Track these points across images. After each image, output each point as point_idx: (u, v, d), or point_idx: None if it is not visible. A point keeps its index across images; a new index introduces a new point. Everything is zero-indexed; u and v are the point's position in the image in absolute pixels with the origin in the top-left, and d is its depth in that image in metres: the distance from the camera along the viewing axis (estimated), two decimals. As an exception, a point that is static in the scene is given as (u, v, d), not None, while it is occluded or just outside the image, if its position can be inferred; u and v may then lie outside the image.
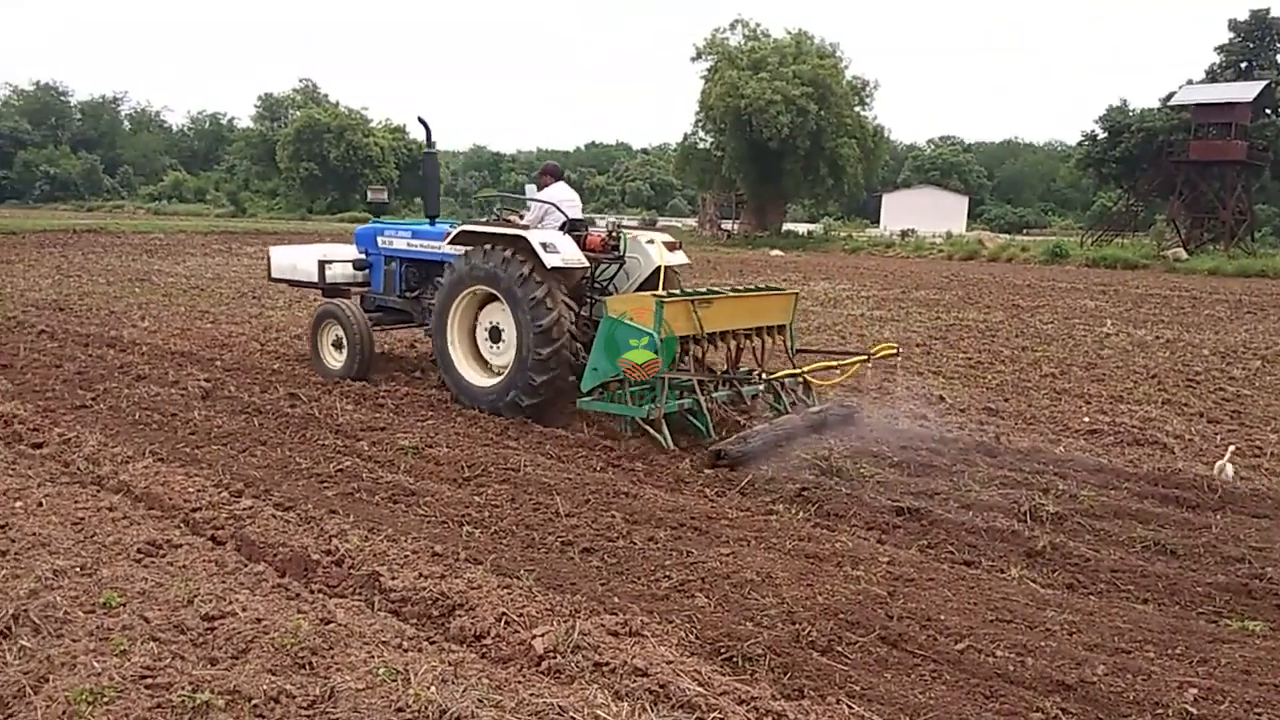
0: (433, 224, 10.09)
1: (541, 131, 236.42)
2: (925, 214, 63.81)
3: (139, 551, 4.95)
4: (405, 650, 3.98)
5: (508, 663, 3.98)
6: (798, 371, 8.50)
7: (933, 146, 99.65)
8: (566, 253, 8.05)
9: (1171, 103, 48.96)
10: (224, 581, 4.64)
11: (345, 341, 9.74)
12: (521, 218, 9.25)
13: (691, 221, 64.31)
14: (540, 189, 9.31)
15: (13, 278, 19.31)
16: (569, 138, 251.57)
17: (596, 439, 7.58)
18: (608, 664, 3.85)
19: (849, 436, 7.90)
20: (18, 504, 5.62)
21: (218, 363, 10.53)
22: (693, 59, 52.41)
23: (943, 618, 4.54)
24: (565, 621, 4.20)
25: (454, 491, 6.30)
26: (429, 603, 4.49)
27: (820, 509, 6.17)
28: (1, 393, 8.56)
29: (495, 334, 8.57)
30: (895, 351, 9.17)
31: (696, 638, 4.25)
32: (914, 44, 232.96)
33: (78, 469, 6.48)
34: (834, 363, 9.16)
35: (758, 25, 52.01)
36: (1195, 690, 3.91)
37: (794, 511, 6.10)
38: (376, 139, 72.16)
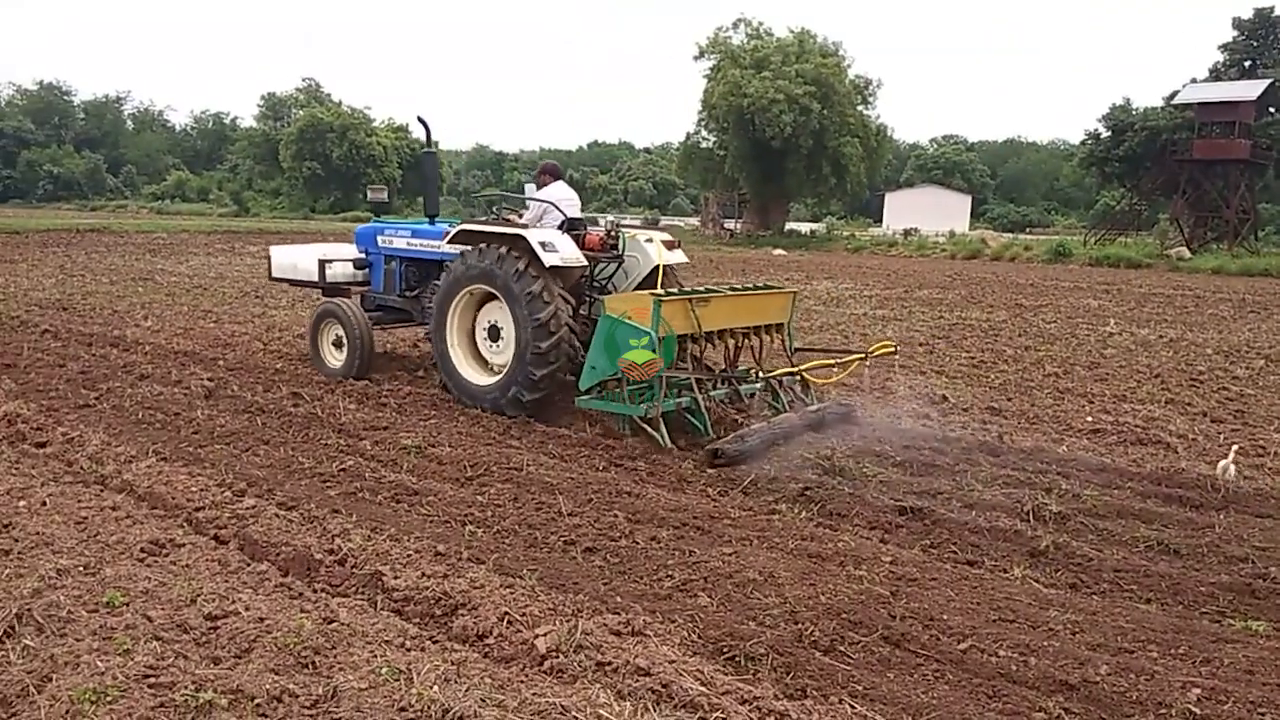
0: (432, 223, 10.11)
1: (544, 131, 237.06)
2: (928, 213, 63.78)
3: (142, 551, 4.96)
4: (408, 649, 3.98)
5: (510, 662, 3.98)
6: (794, 370, 8.51)
7: (936, 145, 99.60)
8: (565, 252, 8.06)
9: (1175, 101, 48.90)
10: (227, 581, 4.64)
11: (345, 341, 9.76)
12: (520, 217, 9.27)
13: (694, 221, 64.30)
14: (539, 188, 9.33)
15: (16, 277, 19.34)
16: (571, 137, 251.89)
17: (599, 438, 7.58)
18: (610, 663, 3.85)
19: (847, 435, 7.92)
20: (21, 503, 5.63)
21: (221, 362, 10.54)
22: (695, 58, 52.51)
23: (945, 617, 4.53)
24: (568, 621, 4.20)
25: (457, 491, 6.30)
26: (432, 602, 4.49)
27: (823, 508, 6.17)
28: (5, 392, 8.58)
29: (494, 333, 8.58)
30: (893, 350, 9.19)
31: (699, 637, 4.25)
32: (917, 43, 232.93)
33: (81, 468, 6.49)
34: (831, 361, 9.18)
35: (760, 24, 52.08)
36: (1199, 690, 3.91)
37: (796, 511, 6.10)
38: (379, 138, 72.22)
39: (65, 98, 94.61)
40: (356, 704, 3.48)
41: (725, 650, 4.15)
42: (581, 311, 8.65)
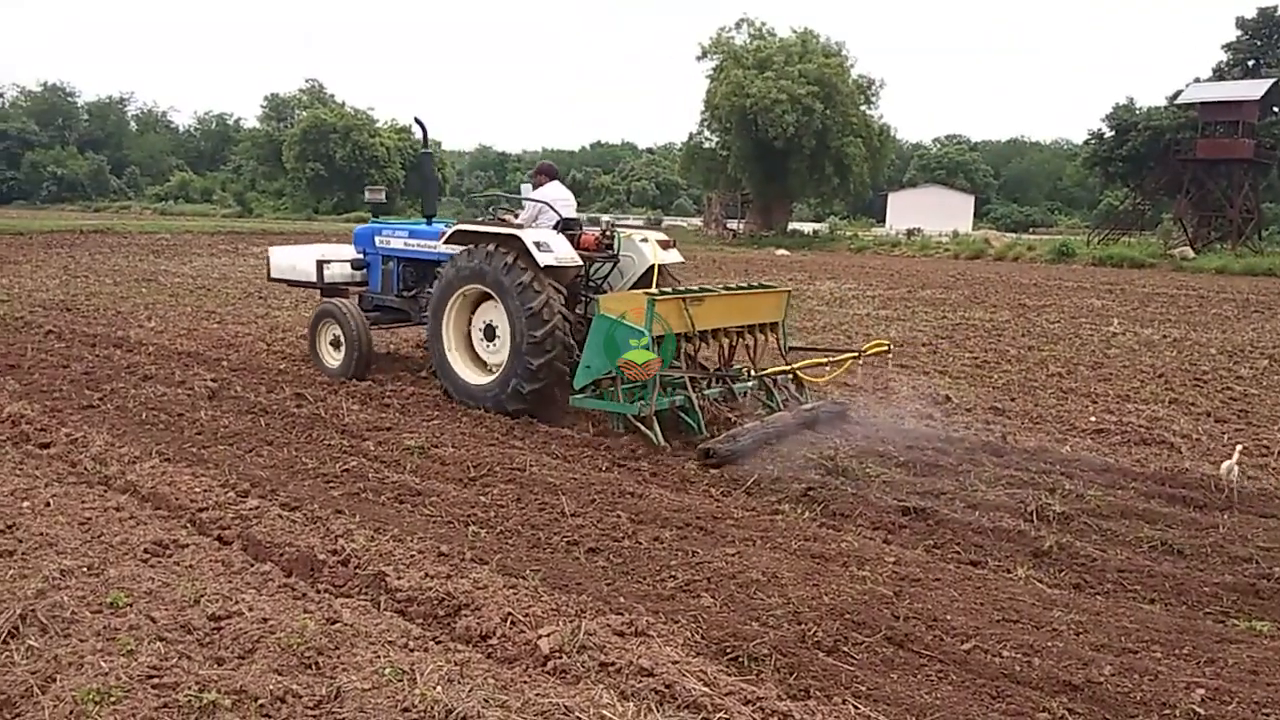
0: (429, 223, 10.15)
1: (547, 131, 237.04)
2: (931, 213, 63.71)
3: (146, 551, 4.96)
4: (411, 650, 3.98)
5: (513, 663, 3.98)
6: (787, 368, 8.53)
7: (939, 145, 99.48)
8: (560, 251, 8.12)
9: (1178, 101, 48.83)
10: (230, 581, 4.65)
11: (343, 340, 9.80)
12: (516, 217, 9.30)
13: (697, 221, 64.32)
14: (535, 188, 9.38)
15: (20, 278, 19.38)
16: (574, 137, 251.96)
17: (602, 439, 7.58)
18: (613, 664, 3.85)
19: (841, 434, 7.94)
20: (25, 504, 5.64)
21: (224, 363, 10.56)
22: (698, 58, 52.49)
23: (949, 618, 4.53)
24: (571, 621, 4.20)
25: (460, 491, 6.31)
26: (435, 603, 4.50)
27: (826, 509, 6.16)
28: (9, 393, 8.59)
29: (490, 332, 8.62)
30: (887, 349, 9.22)
31: (702, 638, 4.25)
32: (920, 43, 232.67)
33: (85, 469, 6.50)
34: (824, 359, 9.21)
35: (763, 24, 52.05)
36: (1203, 690, 3.90)
37: (800, 511, 6.10)
38: (382, 139, 72.20)
39: (69, 99, 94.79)
40: (360, 704, 3.49)
41: (728, 651, 4.15)
42: (578, 311, 8.68)
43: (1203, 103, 45.48)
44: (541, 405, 8.27)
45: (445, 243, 9.04)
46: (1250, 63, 52.28)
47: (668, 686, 3.67)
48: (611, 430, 7.78)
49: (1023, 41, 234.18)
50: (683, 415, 7.77)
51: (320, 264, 10.52)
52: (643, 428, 7.53)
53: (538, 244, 8.01)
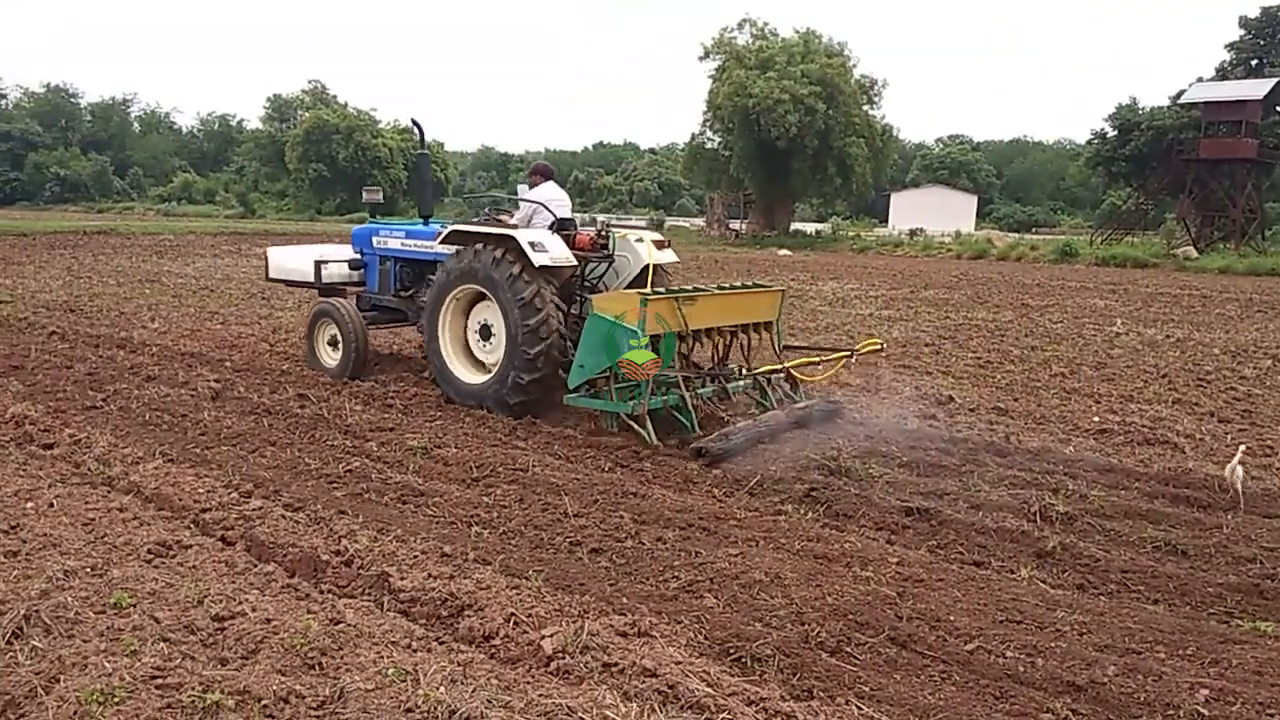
0: (426, 224, 10.20)
1: (549, 132, 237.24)
2: (934, 213, 63.64)
3: (149, 552, 4.97)
4: (414, 651, 3.99)
5: (517, 663, 3.98)
6: (779, 367, 8.56)
7: (941, 145, 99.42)
8: (555, 252, 8.15)
9: (1181, 101, 48.77)
10: (234, 582, 4.65)
11: (341, 340, 9.84)
12: (511, 217, 9.34)
13: (699, 221, 64.26)
14: (531, 189, 9.44)
15: (24, 279, 19.41)
16: (576, 138, 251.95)
17: (604, 439, 7.58)
18: (616, 664, 3.85)
19: (837, 433, 7.97)
20: (29, 505, 5.65)
21: (227, 364, 10.57)
22: (700, 58, 52.45)
23: (952, 618, 4.53)
24: (574, 622, 4.20)
25: (463, 492, 6.31)
26: (438, 603, 4.50)
27: (829, 509, 6.16)
28: (13, 394, 8.61)
29: (485, 332, 8.66)
30: (880, 348, 9.26)
31: (705, 638, 4.25)
32: (922, 43, 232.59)
33: (88, 470, 6.50)
34: (817, 358, 9.24)
35: (765, 24, 52.00)
36: (1207, 691, 3.89)
37: (803, 512, 6.09)
38: (385, 140, 72.26)
39: (72, 100, 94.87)
40: (363, 705, 3.49)
41: (731, 651, 4.15)
42: (573, 311, 8.71)
43: (1206, 102, 45.43)
44: (540, 398, 8.28)
45: (441, 243, 9.09)
46: (1253, 62, 52.21)
47: (671, 687, 3.67)
48: (605, 429, 7.81)
49: (1025, 41, 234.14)
50: (676, 414, 7.80)
51: (318, 264, 10.57)
52: (635, 426, 7.57)
53: (532, 244, 8.05)
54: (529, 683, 3.74)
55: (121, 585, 4.44)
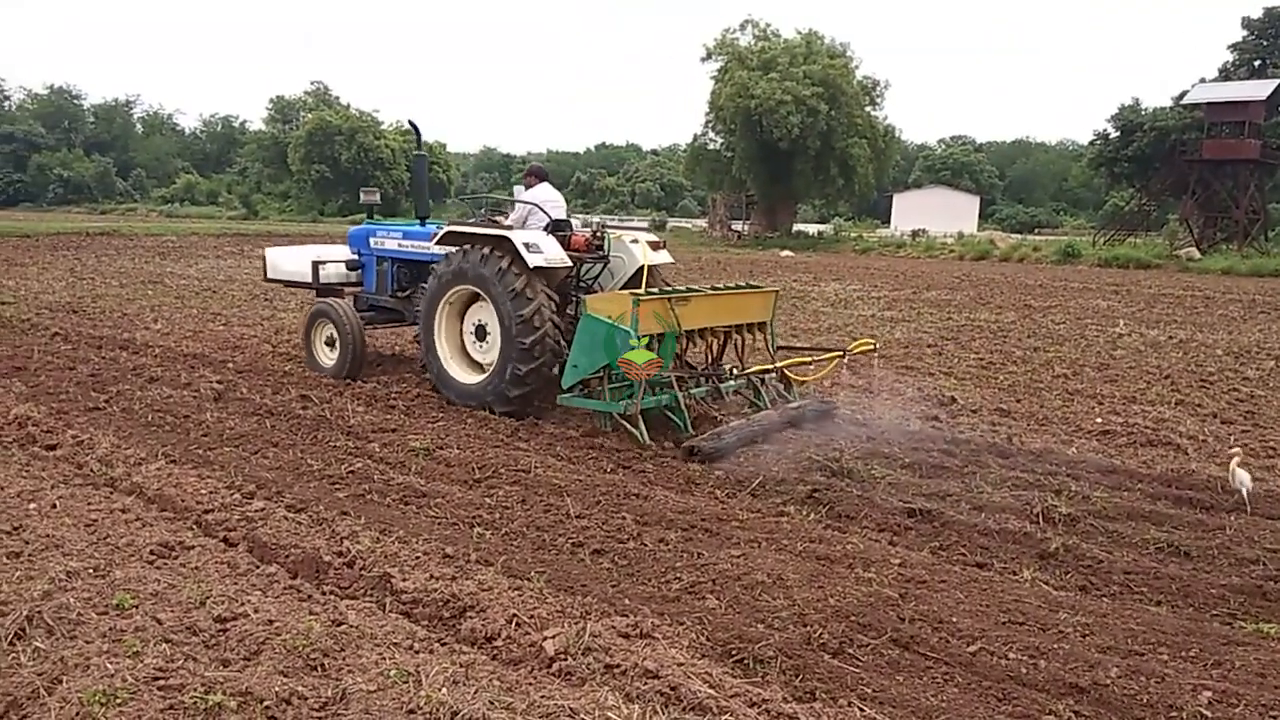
0: (423, 225, 10.24)
1: (551, 133, 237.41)
2: (936, 214, 63.57)
3: (152, 553, 4.97)
4: (417, 652, 3.98)
5: (519, 664, 3.98)
6: (770, 367, 8.59)
7: (944, 146, 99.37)
8: (549, 252, 8.21)
9: (1184, 101, 48.69)
10: (236, 583, 4.66)
11: (338, 340, 9.88)
12: (507, 218, 9.38)
13: (702, 222, 64.27)
14: (526, 190, 9.52)
15: (27, 280, 19.43)
16: (579, 139, 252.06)
17: (606, 441, 7.58)
18: (619, 666, 3.85)
19: (830, 432, 8.01)
20: (31, 506, 5.65)
21: (230, 365, 10.58)
22: (703, 59, 52.53)
23: (955, 620, 4.52)
24: (576, 623, 4.20)
25: (465, 493, 6.31)
26: (440, 604, 4.50)
27: (831, 510, 6.16)
28: (16, 395, 8.62)
29: (481, 332, 8.70)
30: (873, 348, 9.28)
31: (707, 639, 4.25)
32: (925, 43, 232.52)
33: (91, 471, 6.51)
34: (809, 359, 9.29)
35: (768, 25, 52.05)
36: (1209, 693, 3.89)
37: (805, 513, 6.09)
38: (387, 141, 72.37)
39: (75, 101, 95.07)
40: (365, 706, 3.49)
41: (734, 652, 4.15)
42: (569, 311, 8.73)
43: (1208, 103, 45.36)
44: (538, 389, 8.33)
45: (437, 244, 9.13)
46: (1256, 63, 52.14)
47: (673, 688, 3.67)
48: (599, 429, 7.85)
49: (1027, 42, 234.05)
50: (670, 414, 7.82)
51: (316, 264, 10.64)
52: (628, 426, 7.60)
53: (527, 245, 8.11)
54: (531, 684, 3.74)
55: (124, 586, 4.44)
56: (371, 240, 10.47)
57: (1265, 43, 52.72)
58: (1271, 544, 5.69)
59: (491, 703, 3.52)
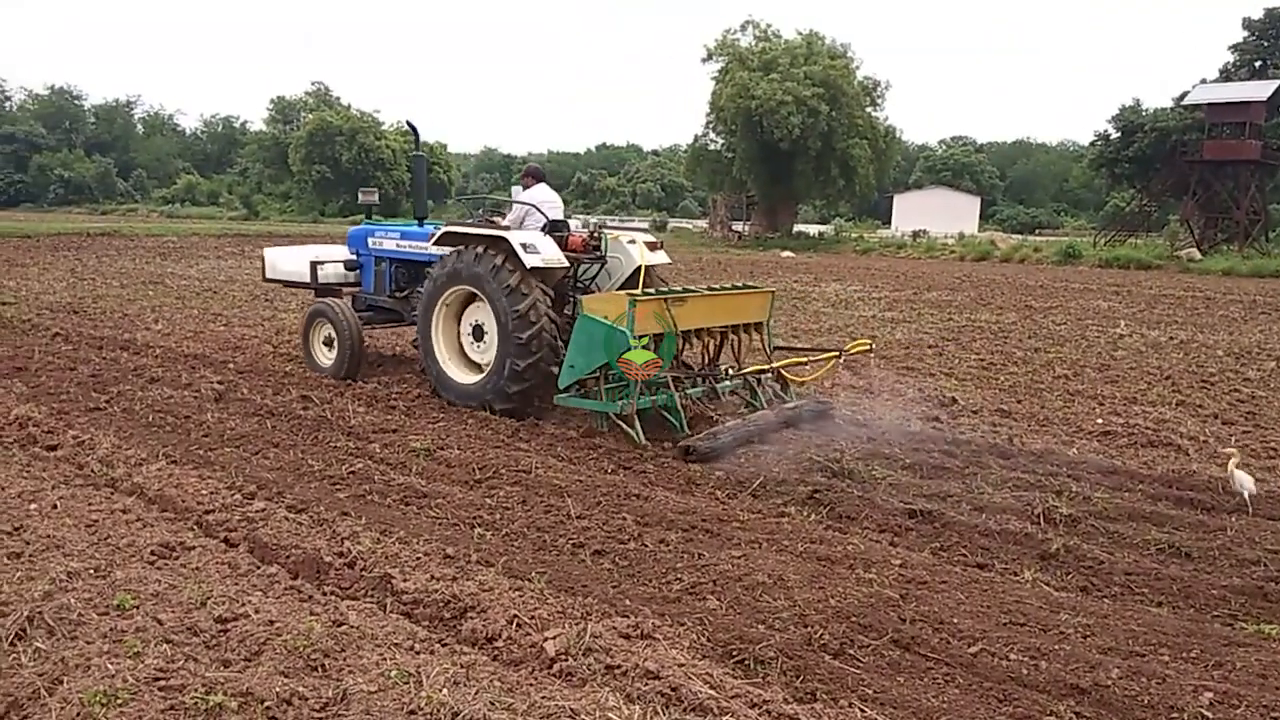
0: (420, 225, 10.27)
1: (552, 134, 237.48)
2: (937, 215, 63.58)
3: (152, 554, 4.97)
4: (417, 652, 3.98)
5: (519, 665, 3.98)
6: (765, 367, 8.61)
7: (944, 147, 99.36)
8: (546, 253, 8.23)
9: (1185, 102, 48.69)
10: (237, 584, 4.66)
11: (336, 340, 9.90)
12: (504, 219, 9.41)
13: (702, 223, 64.28)
14: (524, 190, 9.57)
15: (27, 280, 19.44)
16: (579, 139, 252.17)
17: (607, 441, 7.58)
18: (619, 666, 3.85)
19: (836, 434, 8.03)
20: (32, 506, 5.66)
21: (230, 365, 10.59)
22: (704, 60, 52.52)
23: (955, 621, 4.52)
24: (577, 624, 4.20)
25: (465, 494, 6.31)
26: (441, 605, 4.50)
27: (832, 511, 6.16)
28: (16, 395, 8.62)
29: (478, 332, 8.72)
30: (869, 348, 9.31)
31: (708, 640, 4.24)
32: (926, 44, 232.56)
33: (91, 471, 6.51)
34: (805, 359, 9.31)
35: (769, 26, 52.05)
36: (1211, 694, 3.89)
37: (805, 514, 6.09)
38: (388, 141, 72.43)
39: (76, 102, 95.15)
40: (366, 707, 3.49)
41: (735, 653, 4.14)
42: (566, 312, 8.76)
43: (1209, 104, 45.36)
44: (538, 385, 8.34)
45: (434, 244, 9.15)
46: (1257, 64, 52.12)
47: (674, 689, 3.67)
48: (595, 429, 7.87)
49: (1028, 42, 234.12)
50: (666, 415, 7.83)
51: (314, 265, 10.67)
52: (624, 426, 7.61)
53: (524, 245, 8.14)
54: (532, 685, 3.74)
55: (125, 587, 4.44)
56: (370, 240, 10.50)
57: (1266, 43, 52.71)
58: (1273, 545, 5.69)
59: (492, 703, 3.52)
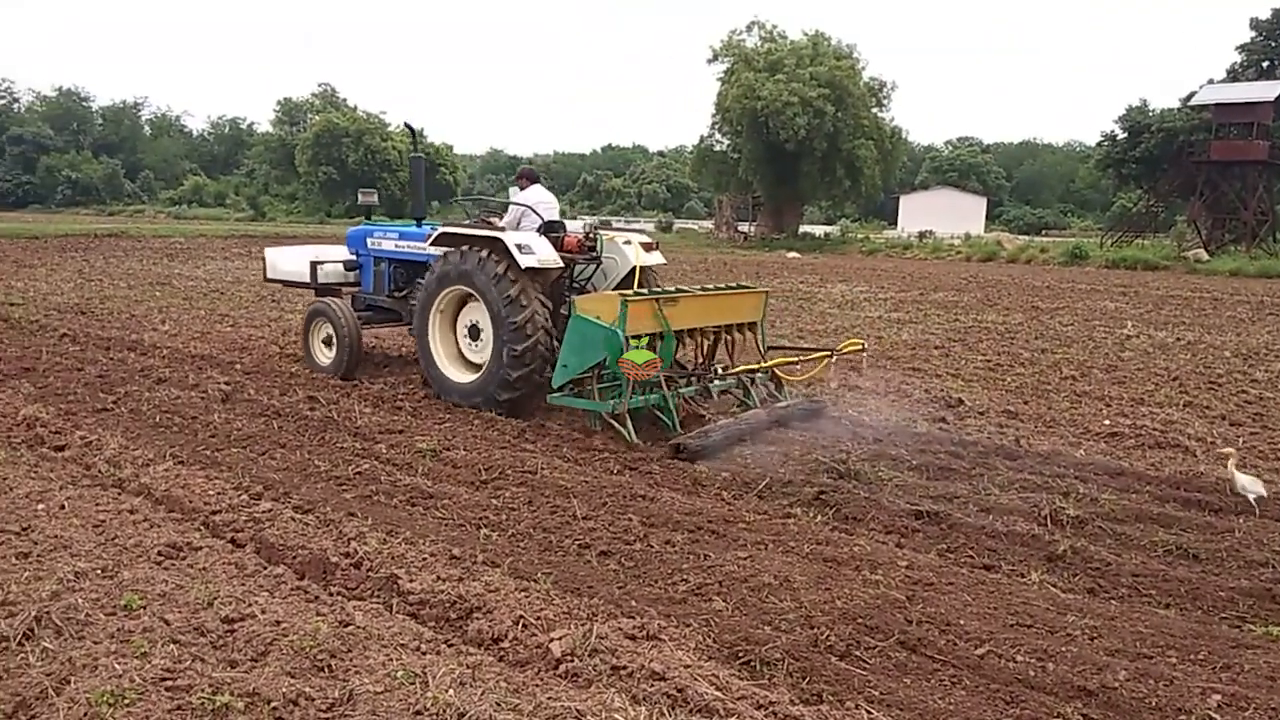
0: (419, 226, 10.33)
1: (558, 135, 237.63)
2: (943, 215, 63.51)
3: (159, 554, 4.98)
4: (423, 653, 3.99)
5: (525, 666, 3.98)
6: (756, 366, 8.64)
7: (950, 147, 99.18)
8: (541, 253, 8.28)
9: (1192, 103, 48.60)
10: (244, 584, 4.66)
11: (335, 339, 9.95)
12: (501, 219, 9.46)
13: (708, 224, 64.27)
14: (520, 192, 9.66)
15: (35, 281, 19.50)
16: (585, 140, 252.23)
17: (612, 442, 7.58)
18: (625, 667, 3.85)
19: (842, 435, 8.05)
20: (40, 506, 5.67)
21: (237, 366, 10.61)
22: (709, 61, 52.50)
23: (962, 622, 4.51)
24: (583, 625, 4.20)
25: (472, 494, 6.31)
26: (447, 605, 4.50)
27: (838, 512, 6.15)
28: (24, 396, 8.65)
29: (474, 332, 8.77)
30: (862, 348, 9.35)
31: (714, 641, 4.24)
32: (932, 44, 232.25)
33: (99, 472, 6.53)
34: (797, 358, 9.34)
35: (774, 27, 52.05)
36: (1218, 696, 3.87)
37: (812, 515, 6.08)
38: (394, 143, 72.56)
39: (83, 104, 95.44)
40: (372, 707, 3.49)
41: (740, 655, 4.14)
42: (561, 312, 8.79)
43: (1217, 104, 45.25)
44: (529, 393, 8.39)
45: (431, 244, 9.19)
46: (1265, 64, 51.94)
47: (679, 690, 3.66)
48: (589, 428, 7.91)
49: (1034, 43, 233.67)
50: (659, 414, 7.85)
51: (314, 265, 10.75)
52: (616, 425, 7.65)
53: (519, 246, 8.18)
54: (537, 685, 3.74)
55: (132, 587, 4.45)
56: (369, 241, 10.58)
57: (1273, 44, 52.52)
58: (1281, 547, 5.67)
59: (498, 704, 3.52)
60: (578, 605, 4.50)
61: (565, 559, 5.25)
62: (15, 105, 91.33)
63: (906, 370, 11.60)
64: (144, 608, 4.25)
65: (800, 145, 47.12)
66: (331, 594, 4.68)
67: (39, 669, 3.68)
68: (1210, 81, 51.68)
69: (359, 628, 4.17)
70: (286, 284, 11.74)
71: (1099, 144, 57.05)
